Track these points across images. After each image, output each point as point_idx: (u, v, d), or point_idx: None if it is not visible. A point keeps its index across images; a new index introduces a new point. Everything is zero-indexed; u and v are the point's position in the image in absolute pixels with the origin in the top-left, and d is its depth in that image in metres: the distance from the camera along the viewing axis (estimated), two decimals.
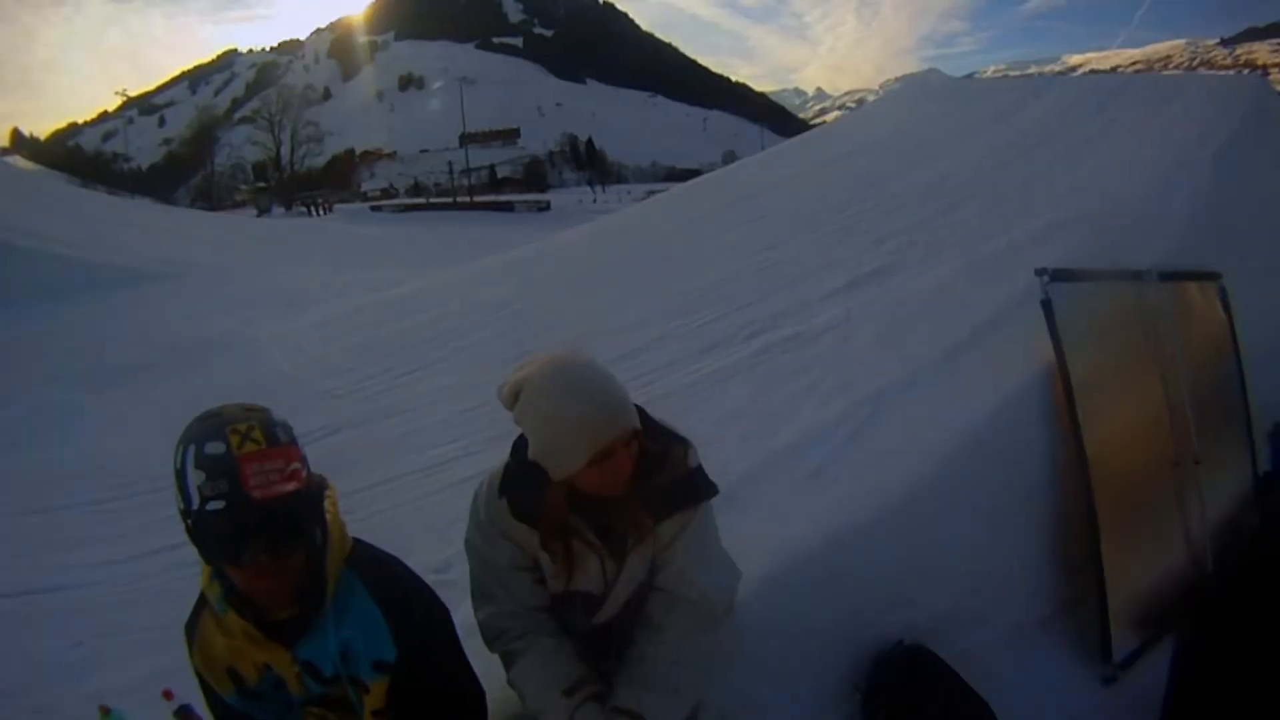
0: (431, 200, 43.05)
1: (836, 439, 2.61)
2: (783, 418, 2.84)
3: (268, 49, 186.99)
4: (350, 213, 41.32)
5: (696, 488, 1.43)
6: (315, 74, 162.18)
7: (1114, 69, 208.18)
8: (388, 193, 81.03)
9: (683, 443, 1.43)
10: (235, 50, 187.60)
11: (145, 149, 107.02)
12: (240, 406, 1.13)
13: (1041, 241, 4.11)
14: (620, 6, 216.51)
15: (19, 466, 5.94)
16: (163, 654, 2.83)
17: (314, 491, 1.18)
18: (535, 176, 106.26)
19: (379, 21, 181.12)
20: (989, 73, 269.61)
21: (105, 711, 1.68)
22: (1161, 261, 3.28)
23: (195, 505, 1.06)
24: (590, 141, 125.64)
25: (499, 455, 1.73)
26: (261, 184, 76.74)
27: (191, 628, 1.32)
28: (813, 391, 3.05)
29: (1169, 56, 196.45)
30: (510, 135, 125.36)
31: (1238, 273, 3.60)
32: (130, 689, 2.73)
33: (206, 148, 70.15)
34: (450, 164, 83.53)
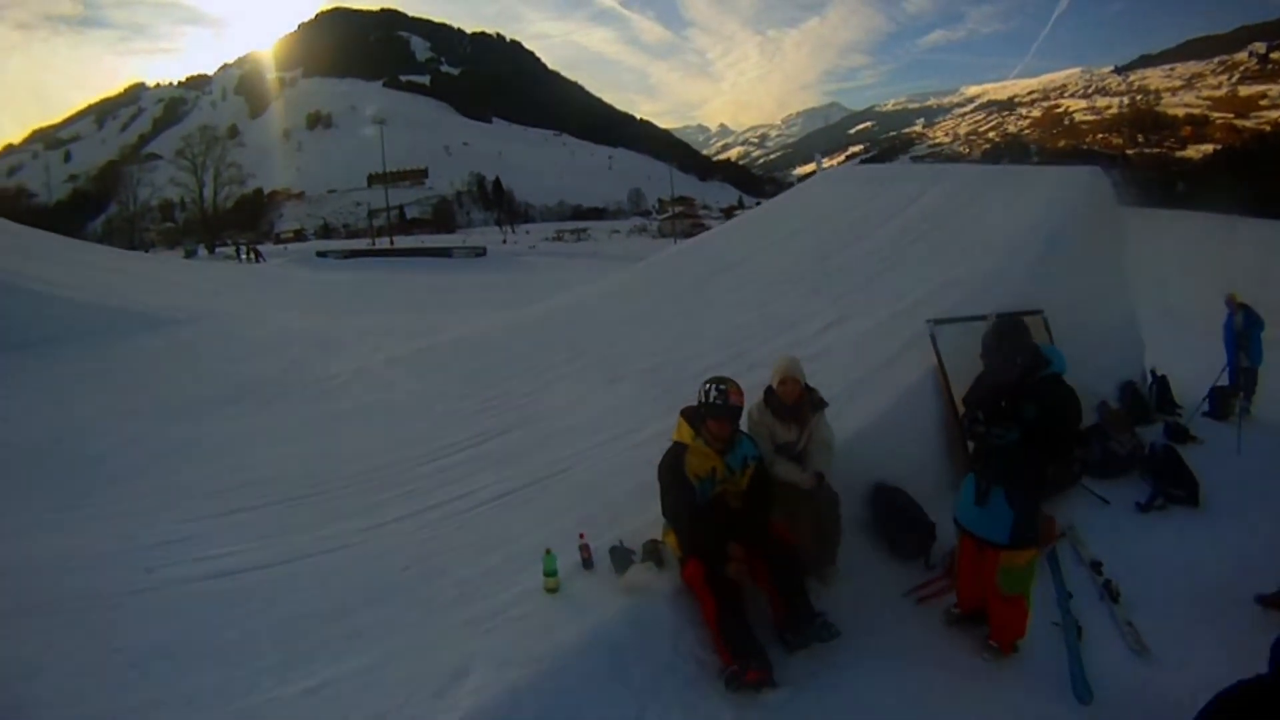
0: (375, 247, 43.75)
1: (843, 400, 5.24)
2: None
3: (175, 84, 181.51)
4: (295, 257, 40.85)
5: (822, 402, 4.22)
6: (223, 110, 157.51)
7: (1011, 98, 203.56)
8: (299, 234, 79.60)
9: (815, 390, 4.22)
10: (142, 84, 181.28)
11: (51, 185, 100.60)
12: (725, 377, 3.77)
13: (936, 298, 6.48)
14: (527, 45, 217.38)
15: (167, 485, 6.55)
16: (474, 564, 4.43)
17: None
18: (444, 217, 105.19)
19: (287, 58, 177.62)
20: (890, 105, 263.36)
21: (548, 552, 3.90)
22: (1004, 306, 5.73)
23: (712, 400, 3.67)
24: (498, 181, 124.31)
25: (651, 433, 4.95)
26: (170, 224, 75.58)
27: (677, 463, 3.67)
28: (826, 384, 5.63)
29: (1064, 85, 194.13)
30: (418, 175, 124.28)
31: (1058, 306, 6.15)
32: (472, 580, 4.25)
33: (122, 185, 67.44)
34: (369, 207, 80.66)
